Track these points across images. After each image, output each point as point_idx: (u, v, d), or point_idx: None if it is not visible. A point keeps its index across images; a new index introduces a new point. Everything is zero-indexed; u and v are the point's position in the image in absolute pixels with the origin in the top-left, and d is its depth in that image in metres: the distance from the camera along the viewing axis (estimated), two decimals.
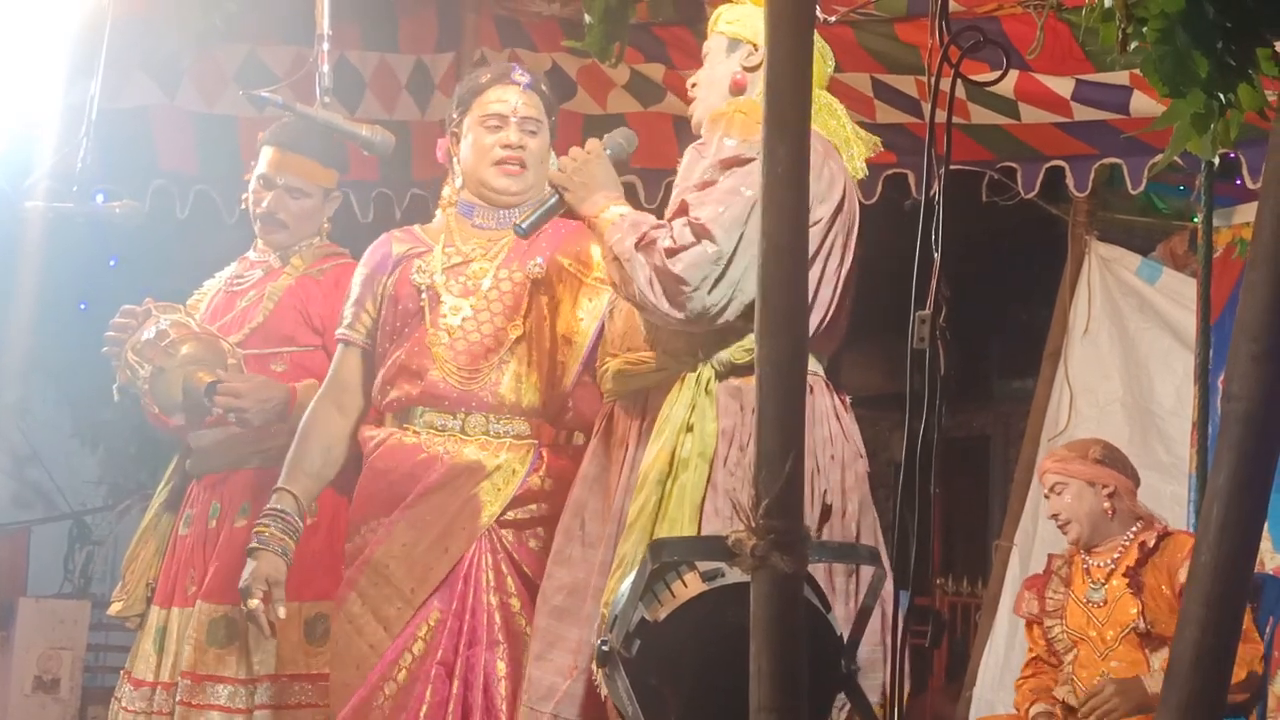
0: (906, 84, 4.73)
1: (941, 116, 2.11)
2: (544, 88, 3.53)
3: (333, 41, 3.70)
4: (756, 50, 3.12)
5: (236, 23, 4.34)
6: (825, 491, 2.90)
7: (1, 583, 6.92)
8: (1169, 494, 5.04)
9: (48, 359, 8.31)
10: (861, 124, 3.11)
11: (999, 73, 2.41)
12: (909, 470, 2.01)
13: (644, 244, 2.89)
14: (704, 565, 2.16)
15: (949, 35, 2.13)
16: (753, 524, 1.75)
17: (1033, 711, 4.11)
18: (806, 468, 2.83)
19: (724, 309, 2.86)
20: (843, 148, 3.11)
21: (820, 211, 2.96)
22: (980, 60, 2.38)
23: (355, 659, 3.22)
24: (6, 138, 3.95)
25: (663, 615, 2.13)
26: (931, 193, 2.09)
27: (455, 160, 3.48)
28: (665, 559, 2.16)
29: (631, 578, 2.20)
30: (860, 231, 3.11)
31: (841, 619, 2.62)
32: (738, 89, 3.15)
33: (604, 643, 2.16)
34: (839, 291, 3.03)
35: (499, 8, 4.97)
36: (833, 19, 4.29)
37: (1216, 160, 3.88)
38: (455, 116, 3.48)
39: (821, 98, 3.11)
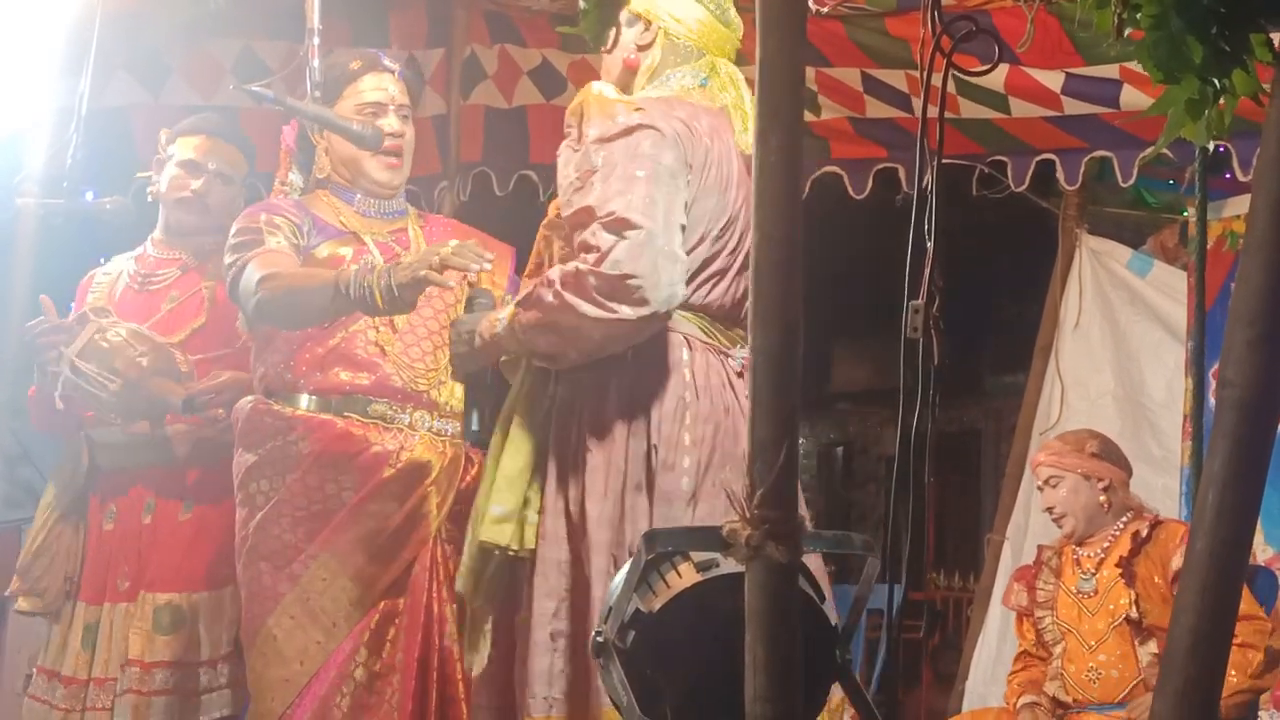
0: (897, 79, 4.73)
1: (933, 109, 2.11)
2: (410, 72, 3.54)
3: (323, 36, 3.70)
4: (649, 28, 2.98)
5: (225, 17, 4.33)
6: (656, 446, 2.79)
7: None
8: (1160, 487, 5.04)
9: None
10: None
11: (990, 63, 2.41)
12: (903, 458, 2.01)
13: (565, 281, 2.68)
14: (698, 555, 2.15)
15: (941, 25, 2.13)
16: (747, 514, 1.75)
17: (1020, 703, 4.11)
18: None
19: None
20: (742, 121, 2.96)
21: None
22: (971, 54, 2.38)
23: (298, 654, 3.19)
24: None
25: (657, 606, 2.13)
26: (923, 184, 2.09)
27: (321, 149, 3.46)
28: (660, 549, 2.16)
29: (626, 568, 2.20)
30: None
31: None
32: (630, 70, 2.99)
33: (598, 634, 2.15)
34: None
35: (489, 3, 4.94)
36: (824, 9, 4.29)
37: (1211, 146, 3.89)
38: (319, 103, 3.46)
39: (723, 67, 3.01)
